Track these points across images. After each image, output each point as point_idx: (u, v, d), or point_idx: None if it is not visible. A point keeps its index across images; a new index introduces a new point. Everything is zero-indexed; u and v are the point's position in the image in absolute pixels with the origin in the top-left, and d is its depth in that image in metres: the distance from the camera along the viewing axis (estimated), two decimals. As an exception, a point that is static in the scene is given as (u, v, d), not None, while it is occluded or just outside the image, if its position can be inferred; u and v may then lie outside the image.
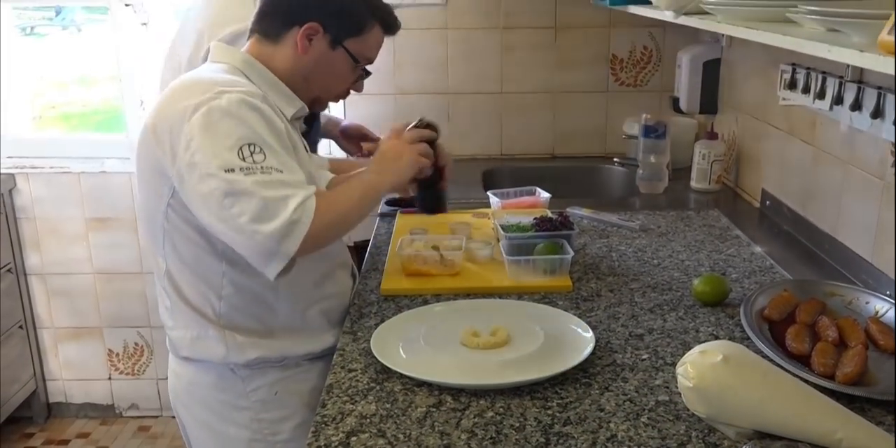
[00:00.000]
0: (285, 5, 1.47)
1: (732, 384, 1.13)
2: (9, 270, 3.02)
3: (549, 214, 1.89)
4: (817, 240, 1.90)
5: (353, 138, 2.16)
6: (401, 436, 1.16)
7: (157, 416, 3.28)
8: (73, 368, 3.25)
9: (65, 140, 3.13)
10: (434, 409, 1.23)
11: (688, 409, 1.19)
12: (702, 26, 1.55)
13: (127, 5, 2.84)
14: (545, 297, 1.64)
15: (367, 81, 1.60)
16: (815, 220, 1.92)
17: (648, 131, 2.41)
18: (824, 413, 1.10)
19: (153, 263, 1.52)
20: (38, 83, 3.24)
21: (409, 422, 1.19)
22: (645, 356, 1.38)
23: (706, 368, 1.14)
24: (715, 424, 1.15)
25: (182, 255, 1.44)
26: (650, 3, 1.76)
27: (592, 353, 1.35)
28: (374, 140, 2.07)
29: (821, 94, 1.76)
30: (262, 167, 1.27)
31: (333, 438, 1.16)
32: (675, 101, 2.63)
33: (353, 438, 1.15)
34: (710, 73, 2.53)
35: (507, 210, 2.03)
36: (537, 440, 1.14)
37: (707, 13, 1.54)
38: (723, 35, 2.39)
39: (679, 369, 1.18)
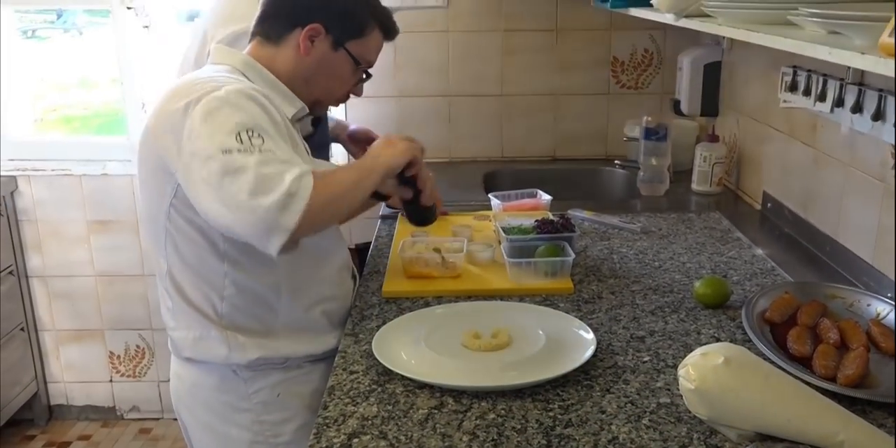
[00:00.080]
0: (288, 7, 1.48)
1: (734, 386, 1.13)
2: (10, 273, 3.02)
3: (551, 217, 1.89)
4: (818, 242, 1.90)
5: (361, 142, 2.17)
6: (402, 438, 1.16)
7: (158, 419, 3.28)
8: (75, 371, 3.25)
9: (66, 142, 3.13)
10: (436, 411, 1.23)
11: (689, 412, 1.19)
12: (703, 29, 1.55)
13: (129, 8, 2.84)
14: (546, 299, 1.64)
15: (368, 83, 1.60)
16: (817, 222, 1.92)
17: (649, 134, 2.41)
18: (826, 415, 1.10)
19: (155, 265, 1.53)
20: (39, 86, 3.25)
21: (411, 424, 1.19)
22: (646, 358, 1.38)
23: (708, 370, 1.14)
24: (716, 426, 1.15)
25: (184, 255, 1.45)
26: (651, 5, 1.76)
27: (594, 356, 1.35)
28: None
29: (822, 97, 1.76)
30: (260, 149, 1.27)
31: (335, 440, 1.16)
32: (676, 103, 2.63)
33: (355, 440, 1.16)
34: (711, 75, 2.53)
35: (508, 212, 2.03)
36: (539, 442, 1.14)
37: (708, 16, 1.54)
38: (724, 37, 2.39)
39: (680, 371, 1.18)
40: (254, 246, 1.34)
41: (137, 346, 3.22)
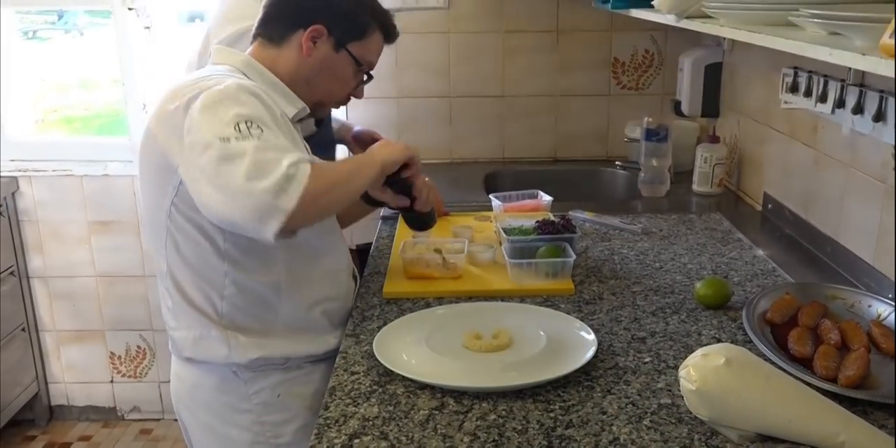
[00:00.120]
0: (290, 9, 1.49)
1: (735, 387, 1.13)
2: (11, 273, 3.03)
3: (552, 217, 1.89)
4: (819, 243, 1.90)
5: (366, 143, 2.17)
6: (403, 438, 1.16)
7: (159, 419, 3.28)
8: (76, 371, 3.25)
9: (67, 143, 3.13)
10: (437, 412, 1.23)
11: (690, 413, 1.19)
12: (704, 30, 1.56)
13: (130, 9, 2.85)
14: (547, 300, 1.64)
15: (369, 84, 1.61)
16: (817, 223, 1.92)
17: (650, 134, 2.41)
18: (826, 416, 1.10)
19: (155, 265, 1.53)
20: (40, 86, 3.25)
21: (412, 424, 1.20)
22: (647, 359, 1.38)
23: (708, 371, 1.14)
24: (717, 427, 1.15)
25: (184, 255, 1.45)
26: (652, 6, 1.76)
27: (595, 356, 1.35)
28: None
29: (822, 98, 1.76)
30: (258, 137, 1.26)
31: (336, 441, 1.16)
32: (677, 104, 2.63)
33: (356, 441, 1.16)
34: (712, 76, 2.53)
35: (509, 213, 2.03)
36: (540, 443, 1.14)
37: (709, 17, 1.54)
38: (725, 38, 2.39)
39: (681, 372, 1.18)
40: (254, 242, 1.34)
41: (138, 347, 3.22)
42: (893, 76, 0.87)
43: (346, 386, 1.31)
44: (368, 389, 1.30)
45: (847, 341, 1.37)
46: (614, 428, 1.17)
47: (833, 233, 1.84)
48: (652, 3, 1.74)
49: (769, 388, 1.13)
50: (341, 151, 2.44)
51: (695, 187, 2.45)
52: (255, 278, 1.46)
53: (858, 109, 1.62)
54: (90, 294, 3.15)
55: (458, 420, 1.20)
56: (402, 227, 2.06)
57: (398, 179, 1.49)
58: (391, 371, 1.33)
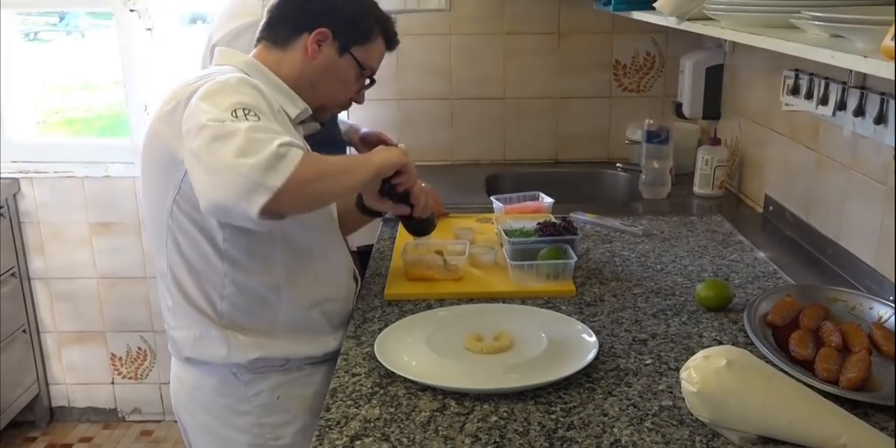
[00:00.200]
0: (296, 12, 1.50)
1: (736, 389, 1.13)
2: (12, 274, 3.03)
3: (553, 219, 1.90)
4: (820, 245, 1.90)
5: (373, 145, 2.18)
6: (405, 440, 1.16)
7: (159, 421, 3.28)
8: (76, 372, 3.26)
9: (69, 145, 3.14)
10: (438, 414, 1.23)
11: (691, 414, 1.19)
12: (705, 32, 1.56)
13: (131, 11, 2.85)
14: (548, 301, 1.64)
15: (370, 88, 1.62)
16: (818, 225, 1.92)
17: (651, 136, 2.41)
18: (828, 418, 1.10)
19: (156, 264, 1.53)
20: (41, 88, 3.26)
21: (413, 426, 1.20)
22: (648, 361, 1.38)
23: (710, 373, 1.14)
24: (719, 429, 1.15)
25: (185, 254, 1.45)
26: (653, 8, 1.76)
27: (596, 358, 1.35)
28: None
29: (824, 100, 1.77)
30: (253, 122, 1.25)
31: (338, 442, 1.16)
32: (678, 106, 2.63)
33: (358, 442, 1.16)
34: (713, 78, 2.53)
35: (510, 215, 2.03)
36: (541, 445, 1.14)
37: (710, 19, 1.54)
38: (726, 41, 2.39)
39: (683, 374, 1.18)
40: (254, 242, 1.33)
41: (139, 348, 3.22)
42: (894, 78, 0.87)
43: (347, 387, 1.31)
44: (370, 391, 1.30)
45: (848, 343, 1.37)
46: (615, 430, 1.17)
47: (834, 235, 1.84)
48: (653, 5, 1.75)
49: (770, 390, 1.13)
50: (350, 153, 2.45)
51: (696, 189, 2.45)
52: (254, 278, 1.46)
53: (860, 112, 1.62)
54: (91, 295, 3.15)
55: (460, 422, 1.20)
56: (403, 228, 2.06)
57: (393, 187, 1.48)
58: (392, 373, 1.33)
